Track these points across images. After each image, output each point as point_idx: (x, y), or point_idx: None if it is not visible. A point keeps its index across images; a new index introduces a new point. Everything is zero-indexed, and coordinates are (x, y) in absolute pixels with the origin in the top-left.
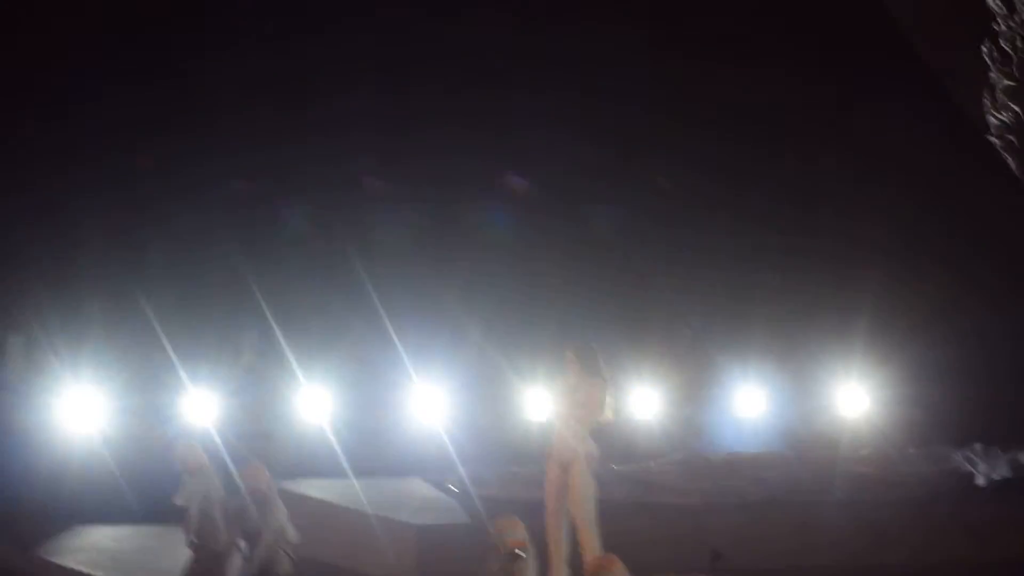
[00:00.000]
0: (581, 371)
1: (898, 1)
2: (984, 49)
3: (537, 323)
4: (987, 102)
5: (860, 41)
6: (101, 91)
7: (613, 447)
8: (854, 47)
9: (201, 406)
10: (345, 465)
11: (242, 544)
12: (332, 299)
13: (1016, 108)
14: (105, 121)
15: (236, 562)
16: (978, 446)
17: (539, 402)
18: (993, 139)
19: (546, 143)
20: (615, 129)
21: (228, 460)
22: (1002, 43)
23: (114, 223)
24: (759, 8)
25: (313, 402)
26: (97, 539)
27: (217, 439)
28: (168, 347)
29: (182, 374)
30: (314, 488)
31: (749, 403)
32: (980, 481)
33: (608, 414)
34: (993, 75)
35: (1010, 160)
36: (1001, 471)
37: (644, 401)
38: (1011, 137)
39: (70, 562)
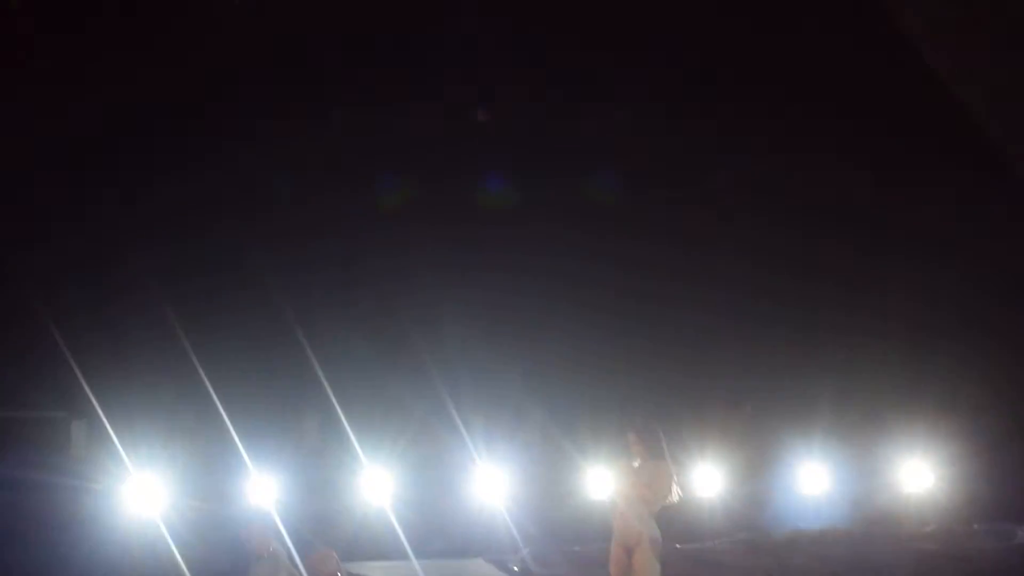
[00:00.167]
0: (644, 452)
1: (956, 75)
2: None
3: (598, 403)
4: None
5: (914, 123)
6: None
7: (676, 526)
8: (909, 131)
9: (264, 489)
10: (407, 547)
11: None
12: (395, 381)
13: None
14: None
15: None
16: None
17: (601, 482)
18: None
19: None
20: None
21: (290, 545)
22: None
23: (179, 306)
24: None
25: (376, 484)
26: None
27: (279, 522)
28: (232, 430)
29: (246, 457)
30: (377, 570)
31: (812, 479)
32: None
33: (672, 496)
34: None
35: None
36: None
37: (707, 479)
38: None
39: None
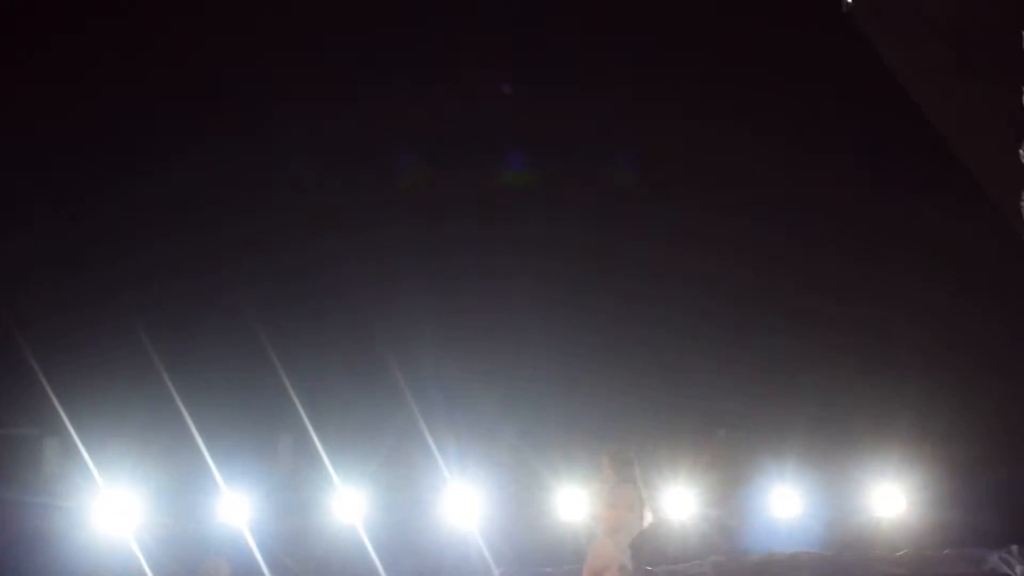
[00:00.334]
0: (616, 478)
1: (935, 103)
2: (1022, 152)
3: (571, 425)
4: None
5: (897, 136)
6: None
7: (648, 548)
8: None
9: (237, 508)
10: (379, 567)
11: None
12: (367, 402)
13: None
14: (131, 222)
15: None
16: (1015, 547)
17: (573, 503)
18: None
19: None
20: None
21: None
22: None
23: (152, 325)
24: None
25: (348, 504)
26: None
27: (251, 541)
28: (204, 449)
29: (218, 476)
30: None
31: (785, 503)
32: None
33: (644, 522)
34: None
35: None
36: None
37: (679, 501)
38: None
39: None
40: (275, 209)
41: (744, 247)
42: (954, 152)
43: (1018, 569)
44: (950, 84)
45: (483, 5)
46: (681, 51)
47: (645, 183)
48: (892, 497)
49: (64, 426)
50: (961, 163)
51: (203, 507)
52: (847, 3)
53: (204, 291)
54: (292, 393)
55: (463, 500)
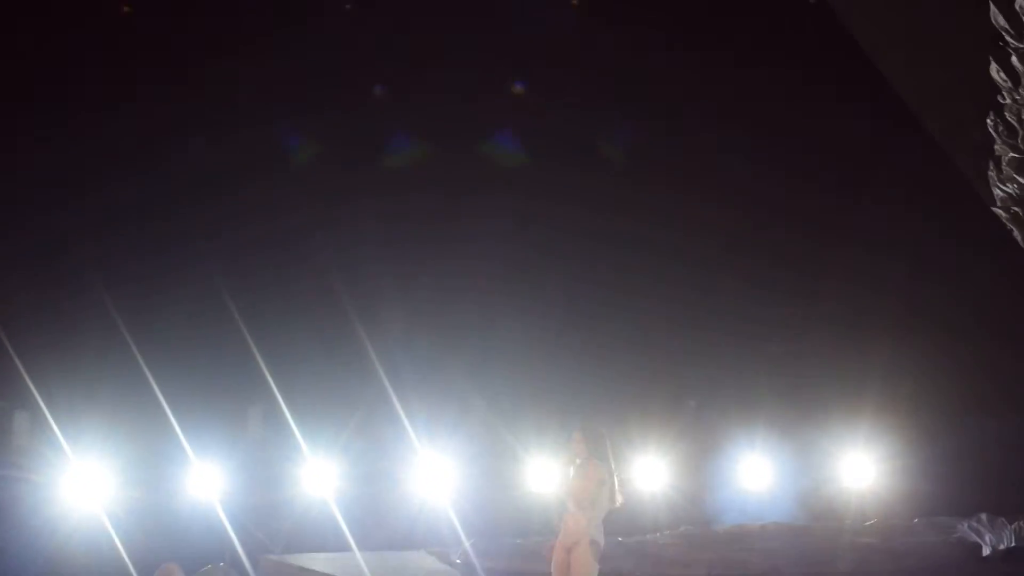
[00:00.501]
0: (587, 453)
1: (903, 76)
2: (989, 122)
3: (541, 396)
4: (992, 175)
5: (864, 112)
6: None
7: (618, 520)
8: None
9: (207, 479)
10: (350, 538)
11: None
12: (338, 374)
13: (1022, 180)
14: (109, 199)
15: None
16: (984, 516)
17: (543, 475)
18: (999, 211)
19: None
20: (620, 198)
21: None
22: (1008, 116)
23: (119, 296)
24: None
25: (318, 475)
26: None
27: (222, 513)
28: (175, 421)
29: (188, 448)
30: (318, 562)
31: (755, 474)
32: (986, 551)
33: (615, 499)
34: (998, 148)
35: (1016, 232)
36: (1006, 541)
37: (650, 473)
38: (1017, 209)
39: None
40: (244, 180)
41: (710, 218)
42: (923, 123)
43: (987, 538)
44: (917, 55)
45: None
46: None
47: (610, 155)
48: (861, 467)
49: (35, 399)
50: (932, 140)
51: (173, 479)
52: None
53: (175, 265)
54: (261, 363)
55: (433, 472)
